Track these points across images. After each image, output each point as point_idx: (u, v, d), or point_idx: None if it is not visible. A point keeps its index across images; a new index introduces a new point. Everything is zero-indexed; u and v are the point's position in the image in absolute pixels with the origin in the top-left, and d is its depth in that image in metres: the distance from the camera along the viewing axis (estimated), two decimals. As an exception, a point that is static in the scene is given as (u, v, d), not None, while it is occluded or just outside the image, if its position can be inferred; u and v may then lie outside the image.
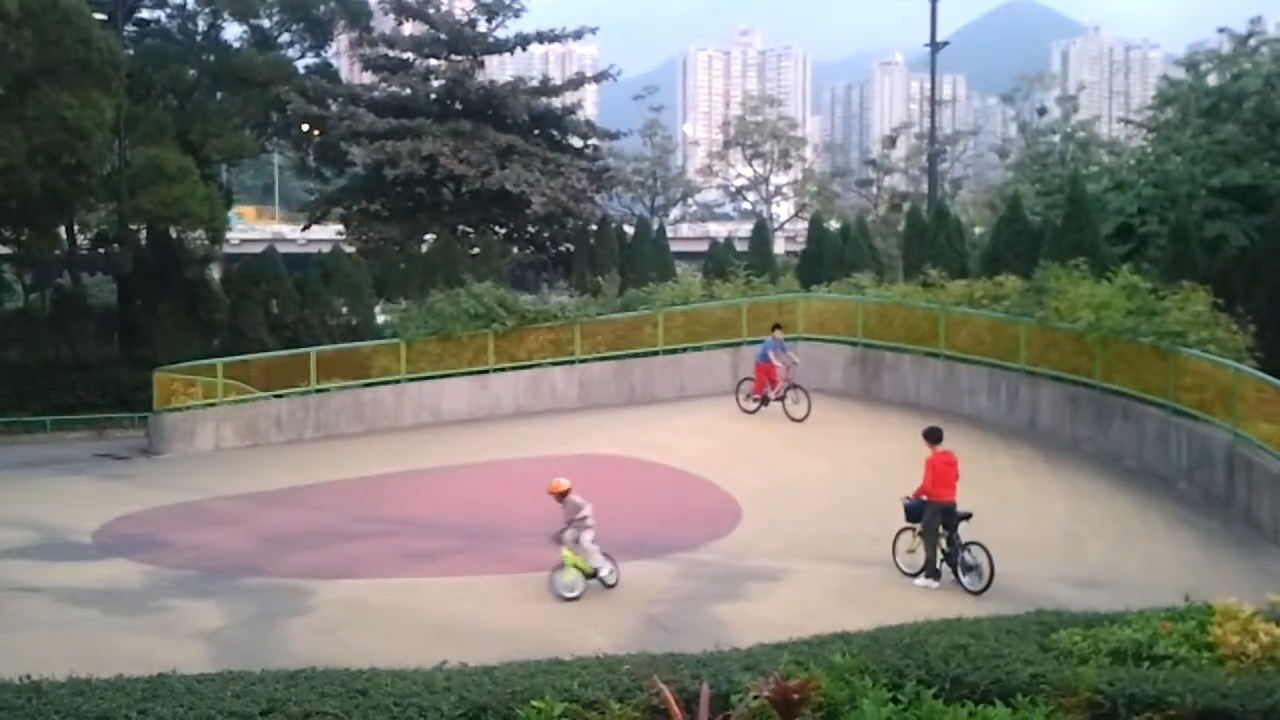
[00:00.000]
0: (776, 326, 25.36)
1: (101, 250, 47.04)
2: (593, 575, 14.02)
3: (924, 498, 14.61)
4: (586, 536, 14.06)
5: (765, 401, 24.33)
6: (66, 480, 25.05)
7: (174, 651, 9.90)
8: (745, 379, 25.18)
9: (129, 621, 12.92)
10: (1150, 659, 8.06)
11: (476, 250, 46.38)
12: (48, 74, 36.01)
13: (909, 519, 14.82)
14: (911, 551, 14.78)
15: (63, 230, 44.53)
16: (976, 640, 7.61)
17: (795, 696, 5.63)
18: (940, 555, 14.42)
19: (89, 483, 24.75)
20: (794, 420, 23.71)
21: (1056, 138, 56.91)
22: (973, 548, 14.22)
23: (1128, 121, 56.33)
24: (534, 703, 6.14)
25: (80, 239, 46.80)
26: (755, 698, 6.00)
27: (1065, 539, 17.45)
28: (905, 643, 7.53)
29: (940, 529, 14.39)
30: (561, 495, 14.41)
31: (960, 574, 14.27)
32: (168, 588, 14.60)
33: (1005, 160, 63.41)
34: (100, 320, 45.01)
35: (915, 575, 14.51)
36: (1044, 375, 23.61)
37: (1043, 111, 62.75)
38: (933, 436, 14.98)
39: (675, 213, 73.38)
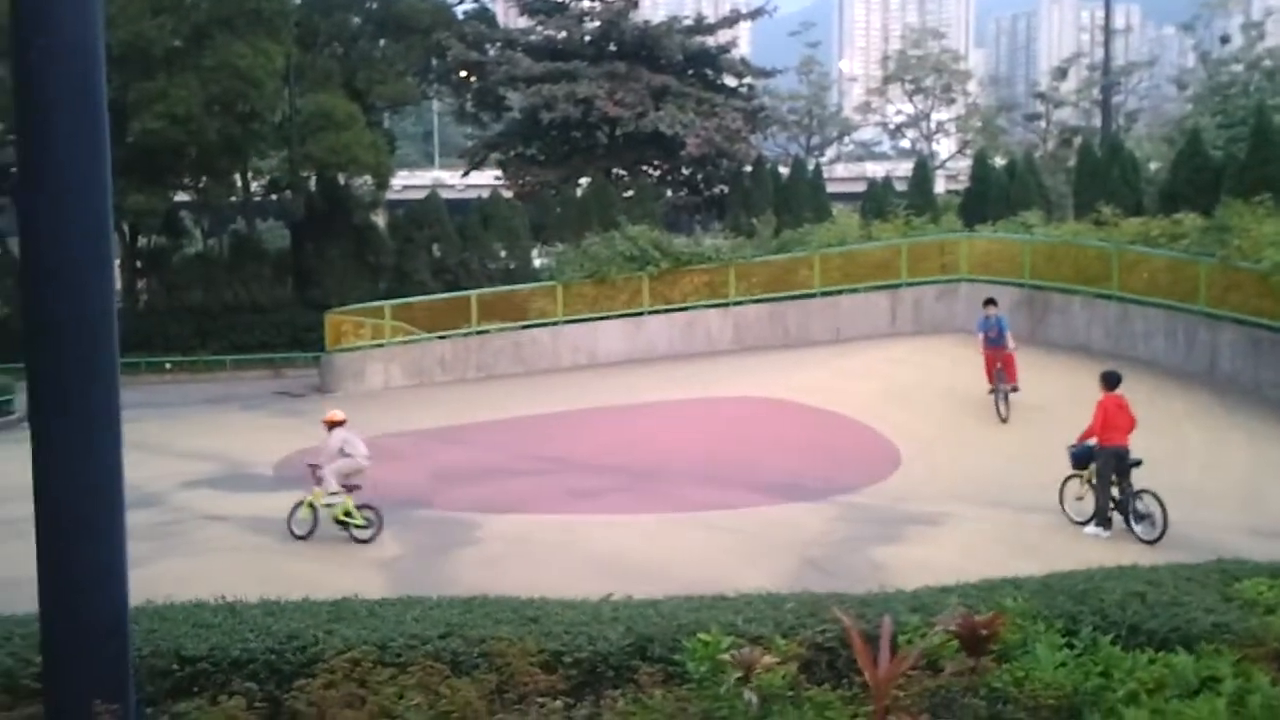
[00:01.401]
0: (989, 302, 21.95)
1: (274, 196, 48.89)
2: (344, 525, 13.59)
3: (1091, 443, 14.16)
4: (329, 473, 13.75)
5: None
6: (247, 416, 26.37)
7: (352, 578, 10.38)
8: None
9: (309, 549, 13.57)
10: (1344, 612, 7.64)
11: (631, 193, 46.53)
12: (222, 25, 37.46)
13: (1075, 466, 14.40)
14: (1080, 499, 14.36)
15: (238, 177, 46.43)
16: (1154, 588, 7.36)
17: (984, 632, 5.54)
18: (1111, 503, 13.97)
19: (267, 418, 26.00)
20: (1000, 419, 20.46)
21: (1240, 67, 53.52)
22: (1145, 495, 13.73)
23: (1321, 48, 52.59)
24: (700, 635, 6.21)
25: (254, 185, 48.72)
26: (938, 632, 5.94)
27: (1245, 488, 16.67)
28: (1079, 589, 7.33)
29: (1112, 476, 13.93)
30: (330, 426, 14.17)
31: (1132, 522, 13.80)
32: (344, 519, 15.24)
33: (1184, 92, 60.01)
34: (275, 264, 46.93)
35: (1085, 523, 14.09)
36: (1225, 318, 22.49)
37: (1225, 40, 59.09)
38: (1110, 380, 14.48)
39: (831, 152, 72.03)
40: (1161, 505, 13.52)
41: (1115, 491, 13.96)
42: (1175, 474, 15.26)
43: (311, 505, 13.70)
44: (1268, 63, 52.92)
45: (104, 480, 5.39)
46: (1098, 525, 13.94)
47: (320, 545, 13.73)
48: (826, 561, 12.91)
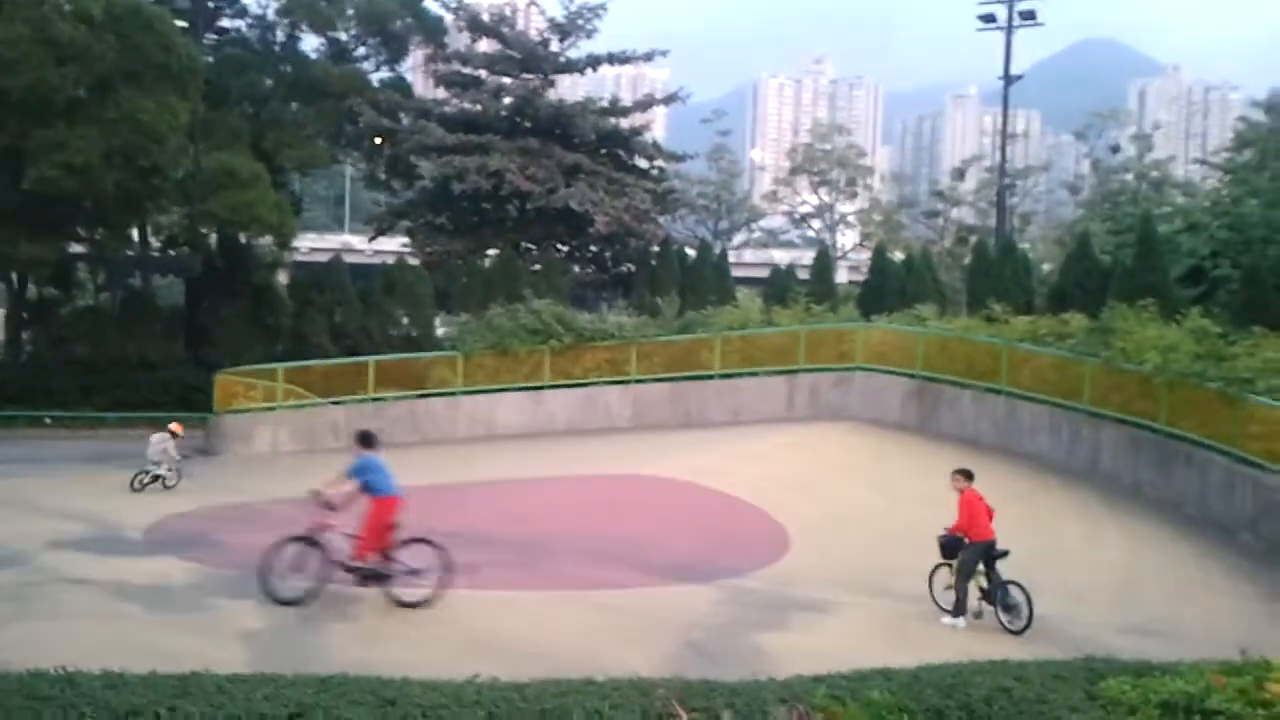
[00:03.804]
0: (363, 438, 14.27)
1: (172, 252, 47.89)
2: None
3: (961, 535, 14.29)
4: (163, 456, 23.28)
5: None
6: (125, 476, 25.38)
7: (212, 650, 9.93)
8: None
9: (171, 618, 13.00)
10: (1202, 713, 7.76)
11: (538, 267, 46.61)
12: (127, 78, 36.84)
13: (944, 555, 14.50)
14: (948, 588, 14.47)
15: (135, 231, 45.41)
16: (1021, 684, 7.40)
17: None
18: (979, 594, 14.11)
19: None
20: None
21: (1130, 176, 56.08)
22: (1012, 587, 13.91)
23: (1204, 163, 55.52)
24: (561, 723, 6.04)
25: (152, 241, 47.67)
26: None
27: (1120, 585, 17.00)
28: (947, 683, 7.34)
29: (979, 567, 14.09)
30: (173, 434, 23.62)
31: (1000, 612, 13.94)
32: (212, 587, 14.68)
33: (1076, 197, 62.63)
34: (168, 321, 45.85)
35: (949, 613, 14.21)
36: (1107, 416, 23.15)
37: (1116, 149, 61.89)
38: (969, 475, 14.73)
39: (739, 238, 73.30)
40: (1028, 597, 13.69)
41: (984, 581, 14.11)
42: (1052, 569, 15.51)
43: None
44: (1155, 174, 55.54)
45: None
46: (956, 615, 14.03)
47: (186, 615, 13.19)
48: (708, 645, 12.77)
